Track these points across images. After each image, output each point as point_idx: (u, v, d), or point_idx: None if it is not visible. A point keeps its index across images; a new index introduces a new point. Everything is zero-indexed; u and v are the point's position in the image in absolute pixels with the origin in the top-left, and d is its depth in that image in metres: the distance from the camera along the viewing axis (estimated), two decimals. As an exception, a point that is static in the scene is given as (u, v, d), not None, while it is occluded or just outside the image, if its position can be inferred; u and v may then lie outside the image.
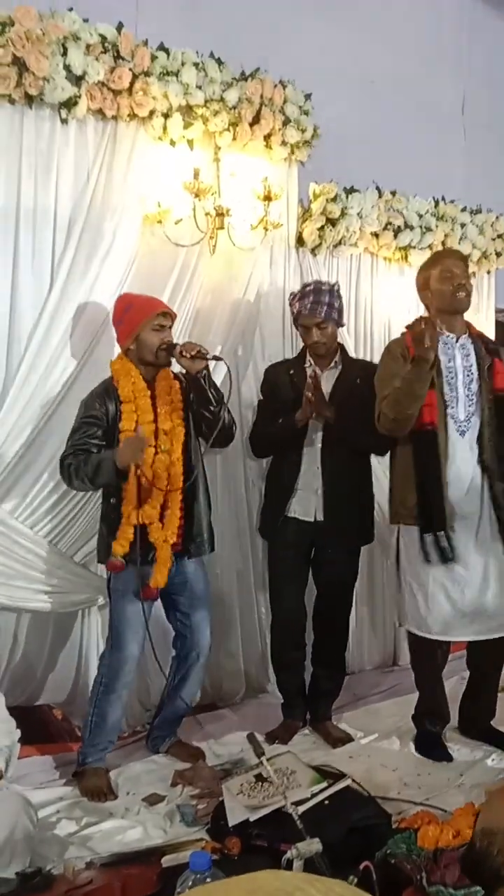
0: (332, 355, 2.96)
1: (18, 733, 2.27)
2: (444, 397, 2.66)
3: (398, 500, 2.75)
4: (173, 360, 2.63)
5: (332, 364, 2.96)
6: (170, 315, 2.64)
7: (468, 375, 2.71)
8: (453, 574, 2.67)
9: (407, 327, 2.71)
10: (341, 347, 3.02)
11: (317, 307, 2.83)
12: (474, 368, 2.72)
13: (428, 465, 2.63)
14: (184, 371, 2.63)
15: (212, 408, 2.57)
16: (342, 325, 2.99)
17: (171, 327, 2.64)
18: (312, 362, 2.96)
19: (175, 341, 2.61)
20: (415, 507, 2.67)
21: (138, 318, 2.57)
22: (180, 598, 2.72)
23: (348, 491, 2.90)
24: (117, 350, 2.70)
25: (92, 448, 2.51)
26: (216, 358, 2.61)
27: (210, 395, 2.57)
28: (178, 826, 2.33)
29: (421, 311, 2.94)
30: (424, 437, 2.63)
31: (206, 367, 2.55)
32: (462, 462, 2.66)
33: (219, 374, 2.81)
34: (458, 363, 2.72)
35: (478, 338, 2.81)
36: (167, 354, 2.58)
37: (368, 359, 3.43)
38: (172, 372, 2.70)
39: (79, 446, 2.50)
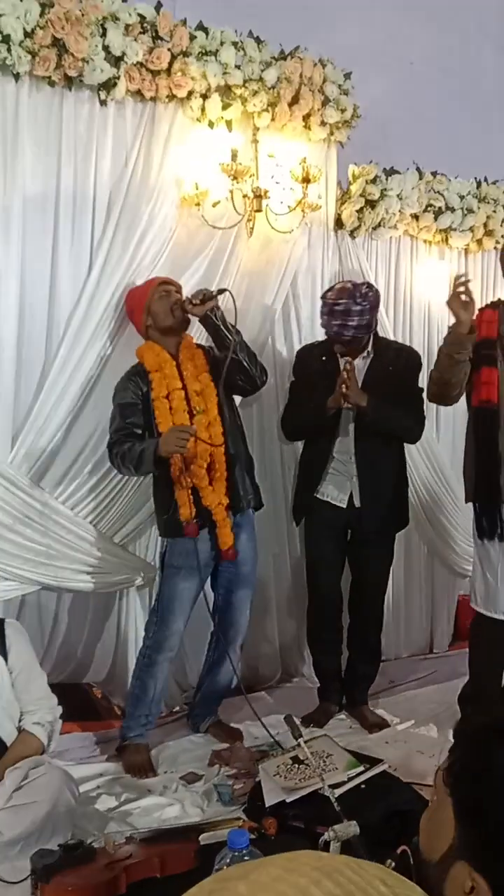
0: (364, 345, 2.91)
1: (60, 709, 2.31)
2: None
3: (467, 478, 2.77)
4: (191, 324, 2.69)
5: (365, 353, 2.92)
6: (170, 283, 2.70)
7: None
8: None
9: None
10: (373, 333, 2.97)
11: (342, 331, 2.77)
12: None
13: (485, 442, 2.64)
14: (207, 342, 2.68)
15: (228, 342, 2.58)
16: (376, 324, 2.94)
17: (178, 292, 2.68)
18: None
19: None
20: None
21: (143, 294, 2.66)
22: (226, 572, 2.73)
23: (383, 478, 2.89)
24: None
25: (135, 431, 2.55)
26: (220, 291, 2.62)
27: (224, 331, 2.59)
28: (215, 805, 2.36)
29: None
30: (482, 413, 2.65)
31: (217, 306, 2.58)
32: None
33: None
34: None
35: None
36: (183, 311, 2.62)
37: (408, 342, 3.39)
38: (197, 344, 2.74)
39: (122, 432, 2.54)
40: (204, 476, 2.58)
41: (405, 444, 3.04)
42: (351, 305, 2.76)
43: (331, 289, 2.89)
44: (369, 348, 2.92)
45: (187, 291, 2.81)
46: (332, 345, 2.94)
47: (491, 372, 2.61)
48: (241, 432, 2.76)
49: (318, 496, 2.92)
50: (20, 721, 2.21)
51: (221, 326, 2.58)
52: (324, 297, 2.87)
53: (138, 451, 2.48)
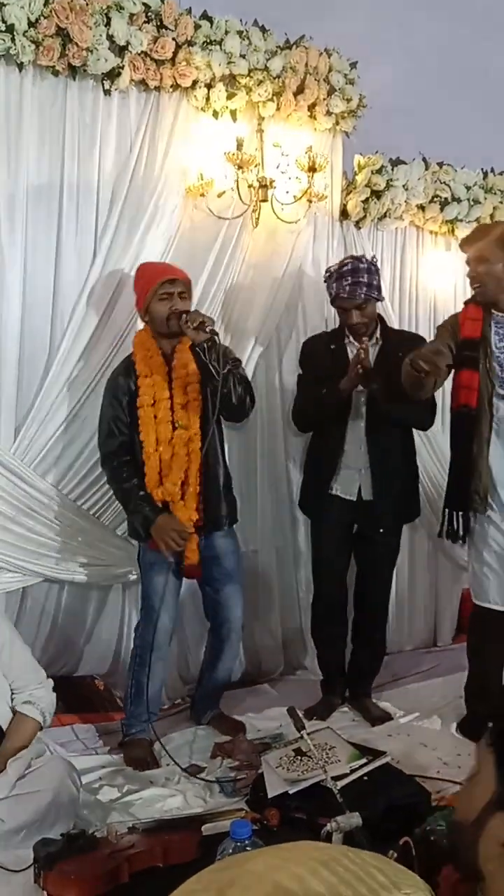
0: (372, 330, 2.90)
1: (51, 682, 2.29)
2: (490, 378, 2.59)
3: None
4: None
5: (374, 341, 2.90)
6: (179, 280, 2.56)
7: None
8: None
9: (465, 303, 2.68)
10: (381, 320, 2.95)
11: (356, 289, 2.73)
12: None
13: (460, 446, 2.64)
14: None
15: (214, 382, 2.48)
16: (382, 300, 2.92)
17: (184, 292, 2.55)
18: (351, 338, 2.90)
19: (188, 309, 2.54)
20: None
21: (146, 288, 2.54)
22: (211, 572, 2.69)
23: (394, 469, 2.86)
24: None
25: (124, 443, 2.57)
26: (212, 332, 2.46)
27: (211, 367, 2.47)
28: (217, 796, 2.36)
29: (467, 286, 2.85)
30: (459, 417, 2.63)
31: (211, 340, 2.45)
32: None
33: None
34: None
35: None
36: (178, 322, 2.52)
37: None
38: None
39: (114, 452, 2.57)
40: (177, 492, 2.54)
41: (415, 439, 3.01)
42: (358, 265, 2.75)
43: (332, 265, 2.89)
44: (377, 335, 2.90)
45: (194, 288, 2.76)
46: (340, 332, 2.91)
47: (472, 375, 2.57)
48: (221, 449, 2.69)
49: (330, 491, 2.90)
50: (11, 701, 2.20)
51: (209, 363, 2.44)
52: (328, 270, 2.84)
53: (133, 504, 2.54)
